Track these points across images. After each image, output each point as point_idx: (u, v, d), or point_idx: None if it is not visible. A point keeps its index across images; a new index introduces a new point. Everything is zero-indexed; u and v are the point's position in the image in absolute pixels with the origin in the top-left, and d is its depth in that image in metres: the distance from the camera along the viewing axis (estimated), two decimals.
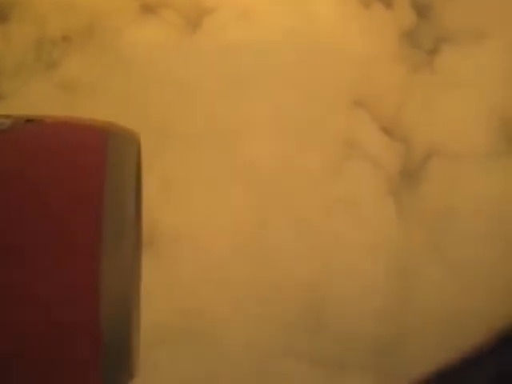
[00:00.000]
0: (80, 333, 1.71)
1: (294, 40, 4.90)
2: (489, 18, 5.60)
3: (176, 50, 4.59)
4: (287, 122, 4.82)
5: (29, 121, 1.84)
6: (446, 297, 4.94)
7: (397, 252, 4.98)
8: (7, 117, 1.85)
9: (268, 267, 4.47)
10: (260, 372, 4.27)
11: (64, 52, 4.64)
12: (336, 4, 5.47)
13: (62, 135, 1.82)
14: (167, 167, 4.37)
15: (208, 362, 4.14)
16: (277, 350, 4.31)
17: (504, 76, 5.44)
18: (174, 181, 4.41)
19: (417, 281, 4.96)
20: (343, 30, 5.40)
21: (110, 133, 1.86)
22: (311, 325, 4.50)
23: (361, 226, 4.85)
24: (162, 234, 4.32)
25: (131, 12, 4.85)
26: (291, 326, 4.41)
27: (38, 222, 1.65)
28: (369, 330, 4.68)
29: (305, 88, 5.08)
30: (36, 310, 1.65)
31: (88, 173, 1.72)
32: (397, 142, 5.43)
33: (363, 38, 5.54)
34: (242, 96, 4.62)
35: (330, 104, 5.29)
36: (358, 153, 5.33)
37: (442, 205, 5.21)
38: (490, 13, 5.60)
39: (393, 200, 5.24)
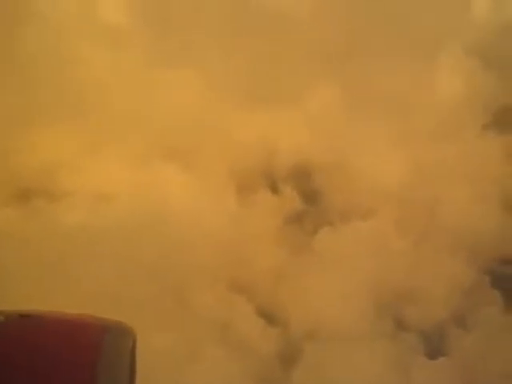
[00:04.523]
0: None
1: (150, 224, 4.88)
2: (369, 201, 5.58)
3: (22, 236, 4.63)
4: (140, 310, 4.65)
5: (22, 316, 1.84)
6: None
7: None
8: (0, 312, 1.85)
9: None
10: None
11: None
12: (215, 190, 5.48)
13: (57, 335, 1.83)
14: None
15: None
16: None
17: (377, 254, 5.33)
18: None
19: None
20: (218, 216, 5.36)
21: (106, 329, 1.90)
22: None
23: None
24: None
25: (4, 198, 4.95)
26: None
27: None
28: None
29: (168, 273, 4.98)
30: None
31: (81, 374, 1.77)
32: (273, 325, 5.22)
33: (242, 222, 5.50)
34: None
35: (201, 286, 5.17)
36: (230, 336, 5.12)
37: None
38: (371, 196, 5.59)
39: None
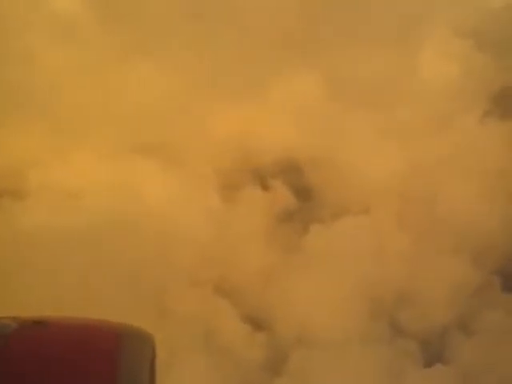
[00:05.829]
0: None
1: (125, 224, 4.56)
2: (362, 196, 5.18)
3: None
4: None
5: (36, 322, 1.80)
6: None
7: None
8: (14, 319, 1.81)
9: None
10: None
11: None
12: (195, 187, 5.13)
13: (71, 340, 1.77)
14: None
15: None
16: None
17: (372, 254, 4.92)
18: None
19: None
20: (200, 214, 5.01)
21: (122, 335, 1.81)
22: None
23: None
24: None
25: None
26: None
27: None
28: None
29: (145, 276, 4.66)
30: None
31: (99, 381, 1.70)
32: (259, 331, 4.85)
33: (226, 220, 5.14)
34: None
35: (181, 289, 4.84)
36: (213, 343, 4.77)
37: None
38: (364, 191, 5.18)
39: None
